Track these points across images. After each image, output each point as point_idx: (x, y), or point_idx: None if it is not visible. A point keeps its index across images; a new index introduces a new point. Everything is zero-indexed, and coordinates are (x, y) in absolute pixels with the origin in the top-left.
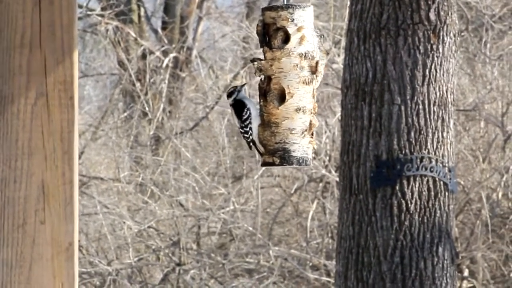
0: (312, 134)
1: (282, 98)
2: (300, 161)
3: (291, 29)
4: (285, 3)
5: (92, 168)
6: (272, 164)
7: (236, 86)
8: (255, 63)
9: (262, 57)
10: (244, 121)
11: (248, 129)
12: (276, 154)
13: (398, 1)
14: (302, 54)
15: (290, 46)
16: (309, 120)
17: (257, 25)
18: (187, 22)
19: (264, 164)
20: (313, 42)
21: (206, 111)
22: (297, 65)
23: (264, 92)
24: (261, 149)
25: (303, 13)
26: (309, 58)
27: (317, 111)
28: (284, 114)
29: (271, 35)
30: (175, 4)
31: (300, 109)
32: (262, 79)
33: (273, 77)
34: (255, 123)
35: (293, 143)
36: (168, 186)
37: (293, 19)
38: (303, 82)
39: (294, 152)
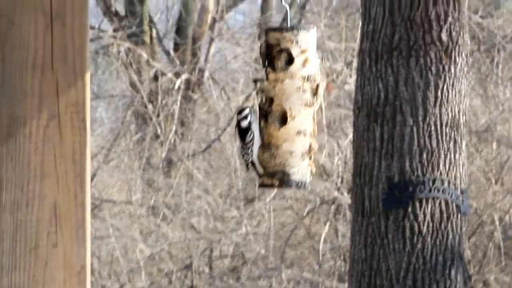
0: (311, 157)
1: (283, 120)
2: (299, 184)
3: (295, 51)
4: (289, 24)
5: (105, 190)
6: (271, 186)
7: (249, 108)
8: (258, 84)
9: (265, 78)
10: (247, 143)
11: (249, 150)
12: (276, 176)
13: (410, 22)
14: (305, 76)
15: (293, 68)
16: (309, 143)
17: (260, 45)
18: (199, 43)
19: (262, 185)
20: (315, 64)
21: (218, 133)
22: (300, 87)
23: (265, 114)
24: (260, 170)
25: (307, 35)
26: (311, 81)
27: (330, 132)
28: (285, 136)
29: (275, 56)
30: (187, 26)
31: (301, 132)
32: (263, 100)
33: (275, 98)
34: (256, 144)
35: (293, 166)
36: (181, 209)
37: (297, 41)
38: (305, 105)
39: (293, 175)
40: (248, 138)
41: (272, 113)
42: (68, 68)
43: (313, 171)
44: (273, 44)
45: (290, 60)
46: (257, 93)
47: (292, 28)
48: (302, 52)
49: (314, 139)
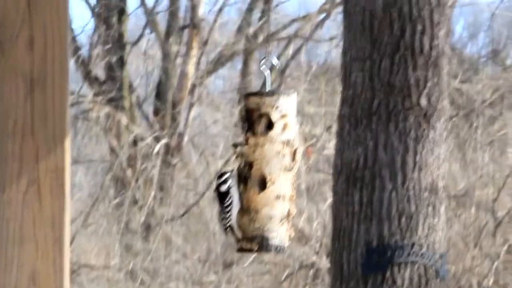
0: (289, 222)
1: (263, 184)
2: (278, 248)
3: (275, 116)
4: (269, 89)
5: (83, 255)
6: (250, 250)
7: (228, 173)
8: (238, 148)
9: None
10: (226, 207)
11: (227, 215)
12: (255, 241)
13: (389, 87)
14: (285, 141)
15: (273, 133)
16: (288, 207)
17: (240, 110)
18: (179, 108)
19: (241, 250)
20: (295, 129)
21: (197, 198)
22: (279, 152)
23: (244, 178)
24: (239, 234)
25: (288, 100)
26: (290, 146)
27: (309, 197)
28: (264, 201)
29: (255, 120)
30: (167, 90)
31: (280, 197)
32: (242, 164)
33: (254, 163)
34: (235, 209)
35: (272, 230)
36: (159, 274)
37: (278, 106)
38: (285, 169)
39: (272, 239)
40: (227, 202)
41: (251, 177)
42: (48, 133)
43: (291, 235)
44: (253, 109)
45: (270, 125)
46: (236, 158)
47: (272, 93)
48: (282, 117)
49: (293, 203)
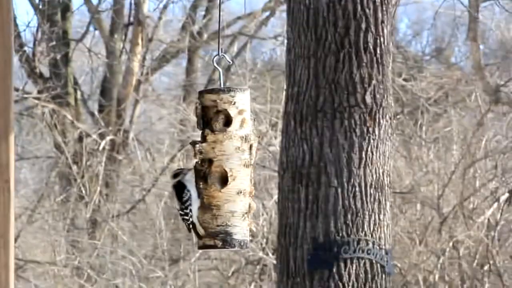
0: (249, 217)
1: (223, 180)
2: (242, 243)
3: (232, 112)
4: (222, 86)
5: (28, 251)
6: (214, 247)
7: (183, 169)
8: (196, 146)
9: (199, 139)
10: (184, 203)
11: (188, 211)
12: (218, 237)
13: (335, 84)
14: (243, 137)
15: (232, 129)
16: (249, 203)
17: (196, 107)
18: (124, 104)
19: (204, 247)
20: (250, 125)
21: (143, 194)
22: (239, 147)
23: (203, 175)
24: (201, 231)
25: (243, 96)
26: (248, 141)
27: (255, 193)
28: (226, 197)
29: (212, 117)
30: (112, 87)
31: (241, 192)
32: (200, 162)
33: (214, 159)
34: (195, 205)
35: (235, 225)
36: (105, 270)
37: (235, 102)
38: (244, 165)
39: (235, 234)
40: (185, 197)
41: (211, 174)
42: None
43: (252, 230)
44: (209, 106)
45: (228, 121)
46: (195, 155)
47: (228, 90)
48: (240, 112)
49: (252, 199)
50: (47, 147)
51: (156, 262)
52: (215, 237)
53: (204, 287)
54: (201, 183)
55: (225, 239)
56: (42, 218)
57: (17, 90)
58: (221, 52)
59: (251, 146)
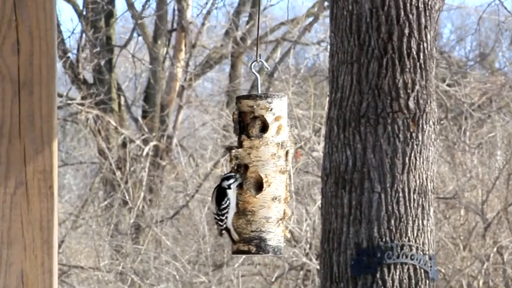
0: (284, 224)
1: (259, 186)
2: (276, 250)
3: (269, 118)
4: (260, 92)
5: (72, 257)
6: (248, 252)
7: (236, 175)
8: (232, 151)
9: (236, 145)
10: (222, 210)
11: (224, 217)
12: (252, 243)
13: (378, 90)
14: (279, 143)
15: (268, 135)
16: (283, 209)
17: (233, 113)
18: (167, 110)
19: (238, 252)
20: (287, 131)
21: (187, 200)
22: (274, 154)
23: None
24: (235, 237)
25: (280, 103)
26: (284, 148)
27: (298, 199)
28: (260, 203)
29: (249, 123)
30: (155, 93)
31: (276, 198)
32: (237, 167)
33: (250, 165)
34: (231, 212)
35: (269, 231)
36: (149, 275)
37: (272, 109)
38: (280, 171)
39: (269, 240)
40: (224, 204)
41: (247, 180)
42: (35, 136)
43: (287, 236)
44: (246, 112)
45: (264, 127)
46: (230, 161)
47: (265, 96)
48: (276, 119)
49: (287, 205)
50: (91, 153)
51: (200, 267)
52: (249, 243)
53: None
54: (237, 188)
55: (259, 245)
56: (86, 224)
57: (61, 96)
58: (260, 58)
59: (287, 153)
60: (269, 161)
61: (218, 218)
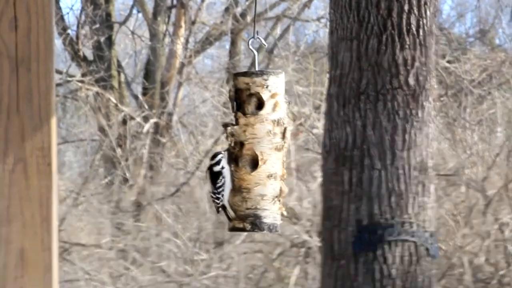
0: (280, 201)
1: (254, 164)
2: (271, 227)
3: (265, 95)
4: (258, 69)
5: (74, 234)
6: (243, 229)
7: (222, 153)
8: (228, 128)
9: (233, 122)
10: (217, 188)
11: (220, 195)
12: (247, 220)
13: (377, 66)
14: (275, 120)
15: (264, 113)
16: (280, 186)
17: (229, 90)
18: (167, 87)
19: (234, 229)
20: (284, 108)
21: (187, 177)
22: (270, 131)
23: (235, 157)
24: (231, 214)
25: (277, 80)
26: (280, 125)
27: (299, 176)
28: (256, 180)
29: (244, 100)
30: (155, 70)
31: (271, 176)
32: (233, 144)
33: (246, 142)
34: (227, 189)
35: (264, 209)
36: (150, 252)
37: (267, 86)
38: (275, 149)
39: (265, 218)
40: (219, 182)
41: (242, 157)
42: (33, 113)
43: (283, 213)
44: (242, 89)
45: (260, 105)
46: (227, 138)
47: (261, 73)
48: (272, 96)
49: (284, 183)
50: (91, 130)
51: (201, 244)
52: (244, 220)
53: (249, 269)
54: (232, 165)
55: (254, 222)
56: (87, 201)
57: (60, 73)
58: (257, 34)
59: (285, 130)
60: (264, 138)
61: (214, 196)
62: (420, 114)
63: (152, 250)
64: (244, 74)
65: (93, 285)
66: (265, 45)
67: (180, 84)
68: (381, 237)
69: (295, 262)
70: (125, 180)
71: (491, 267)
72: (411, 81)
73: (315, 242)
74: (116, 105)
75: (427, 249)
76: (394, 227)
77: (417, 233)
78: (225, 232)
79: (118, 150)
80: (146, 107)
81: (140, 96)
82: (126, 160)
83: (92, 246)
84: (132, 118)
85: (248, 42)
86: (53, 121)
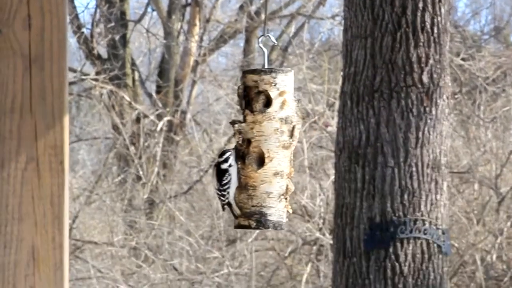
0: (287, 199)
1: (261, 161)
2: (276, 225)
3: (273, 93)
4: (267, 67)
5: (86, 232)
6: (248, 227)
7: (229, 150)
8: (236, 125)
9: (241, 119)
10: (223, 185)
11: (226, 192)
12: (253, 218)
13: (391, 64)
14: (283, 118)
15: (271, 110)
16: (286, 184)
17: (238, 87)
18: (181, 85)
19: (239, 226)
20: (293, 106)
21: (200, 175)
22: (277, 129)
23: (242, 155)
24: (237, 211)
25: (285, 78)
26: (288, 123)
27: (312, 174)
28: (262, 178)
29: (253, 98)
30: (169, 68)
31: (278, 173)
32: (241, 141)
33: (253, 140)
34: (233, 186)
35: (270, 207)
36: (162, 250)
37: (276, 83)
38: (283, 147)
39: (270, 216)
40: (225, 180)
41: (249, 154)
42: (46, 111)
43: (289, 211)
44: (251, 86)
45: (268, 102)
46: (235, 135)
47: (270, 71)
48: (280, 94)
49: (291, 181)
50: (105, 128)
51: (213, 242)
52: (250, 218)
53: (261, 267)
54: (239, 162)
55: (259, 220)
56: (100, 199)
57: (75, 71)
58: (267, 32)
59: (293, 128)
60: (271, 136)
61: (220, 193)
62: (433, 112)
63: (165, 248)
64: (253, 71)
65: (105, 283)
66: (275, 43)
67: (194, 82)
68: (393, 234)
69: (307, 260)
70: (138, 178)
71: (504, 264)
72: (425, 78)
73: (328, 239)
74: (130, 103)
75: (439, 247)
76: (407, 224)
77: (430, 231)
78: (237, 230)
79: (132, 148)
80: (160, 105)
81: (154, 94)
82: (140, 158)
83: (105, 244)
84: (145, 116)
85: (258, 40)
86: (66, 120)
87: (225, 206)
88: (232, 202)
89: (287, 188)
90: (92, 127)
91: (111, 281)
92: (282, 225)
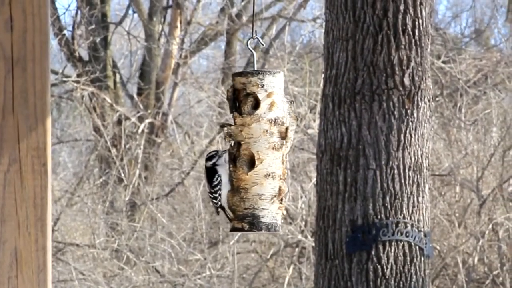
0: (281, 200)
1: (251, 163)
2: (269, 227)
3: (261, 95)
4: (255, 69)
5: (68, 234)
6: (241, 229)
7: (218, 151)
8: (225, 128)
9: (232, 122)
10: (214, 187)
11: (217, 195)
12: (245, 220)
13: (373, 67)
14: (272, 120)
15: (260, 112)
16: (279, 186)
17: (227, 90)
18: (163, 87)
19: (233, 229)
20: (283, 108)
21: (182, 177)
22: (266, 131)
23: (233, 158)
24: (230, 214)
25: (273, 79)
26: (279, 124)
27: (294, 176)
28: (253, 180)
29: (241, 100)
30: (151, 70)
31: (269, 175)
32: (232, 144)
33: (242, 142)
34: (224, 189)
35: (262, 208)
36: (144, 252)
37: (263, 85)
38: (273, 148)
39: (263, 218)
40: (215, 182)
41: (240, 157)
42: (29, 113)
43: (283, 213)
44: (239, 89)
45: (256, 104)
46: (225, 138)
47: (257, 72)
48: (268, 95)
49: (284, 182)
50: (87, 130)
51: (195, 244)
52: (243, 220)
53: (243, 269)
54: (231, 165)
55: (252, 222)
56: (82, 201)
57: (56, 73)
58: (255, 34)
59: (286, 129)
60: (261, 138)
61: (212, 196)
62: (415, 114)
63: (146, 250)
64: (241, 74)
65: (87, 285)
66: (263, 45)
67: (175, 84)
68: (375, 237)
69: (289, 262)
70: (120, 180)
71: (485, 267)
72: (407, 81)
73: (310, 242)
74: (111, 105)
75: (421, 249)
76: (389, 227)
77: (412, 233)
78: (219, 232)
79: (113, 150)
80: (141, 107)
81: (135, 96)
82: (121, 160)
83: (86, 246)
84: (127, 118)
85: (247, 42)
86: (48, 122)
87: (219, 210)
88: (225, 205)
89: (280, 190)
90: (73, 129)
91: (93, 283)
92: (276, 227)
